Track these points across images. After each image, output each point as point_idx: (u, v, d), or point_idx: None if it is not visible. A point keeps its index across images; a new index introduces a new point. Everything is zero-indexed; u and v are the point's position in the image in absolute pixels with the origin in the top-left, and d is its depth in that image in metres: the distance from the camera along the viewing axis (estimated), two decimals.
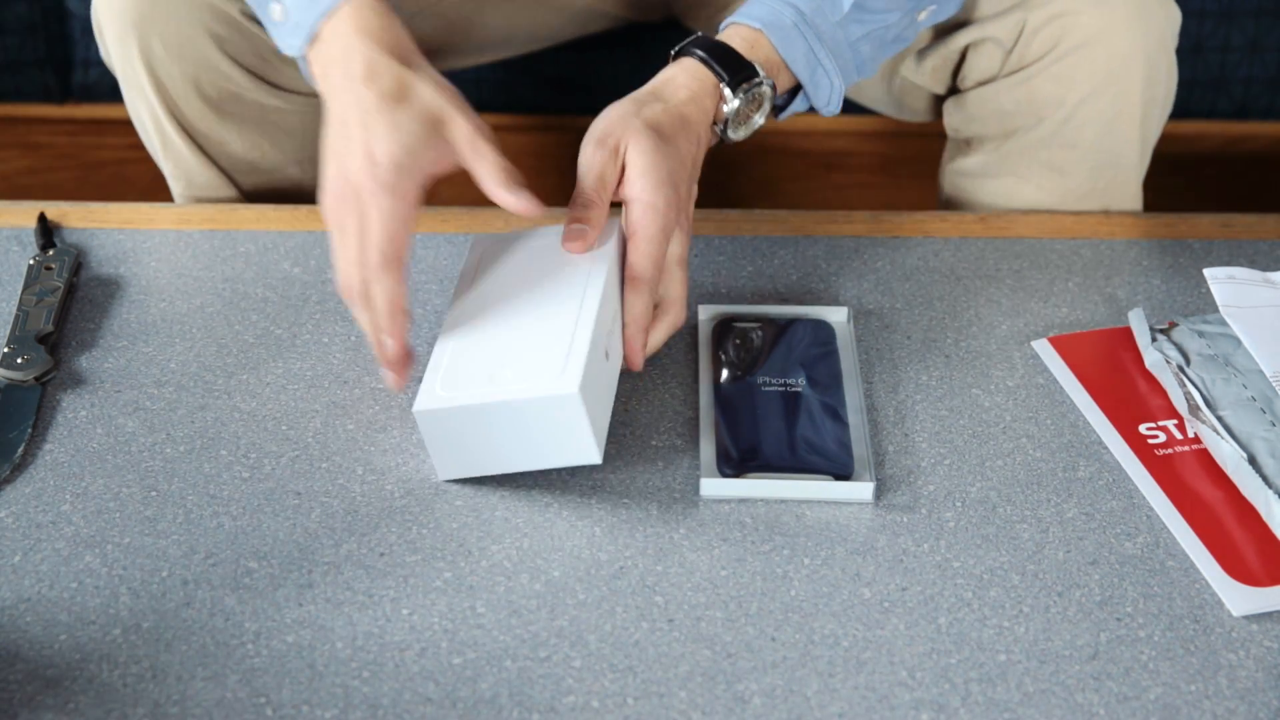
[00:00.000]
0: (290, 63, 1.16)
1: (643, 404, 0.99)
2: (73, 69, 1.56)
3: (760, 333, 1.03)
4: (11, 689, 0.79)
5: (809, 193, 1.66)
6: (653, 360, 1.01)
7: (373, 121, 0.91)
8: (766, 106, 1.02)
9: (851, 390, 0.99)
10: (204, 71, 1.14)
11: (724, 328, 1.04)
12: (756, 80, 1.00)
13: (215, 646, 0.82)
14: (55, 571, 0.86)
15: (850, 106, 1.52)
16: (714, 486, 0.92)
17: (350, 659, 0.81)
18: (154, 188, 1.61)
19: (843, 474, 0.92)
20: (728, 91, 0.99)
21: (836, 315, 1.06)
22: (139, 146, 1.60)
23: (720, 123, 1.00)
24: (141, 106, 1.18)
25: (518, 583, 0.86)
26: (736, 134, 1.02)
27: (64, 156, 1.62)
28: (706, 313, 1.06)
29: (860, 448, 0.95)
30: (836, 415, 0.97)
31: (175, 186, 1.24)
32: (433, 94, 0.92)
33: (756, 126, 1.03)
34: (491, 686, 0.80)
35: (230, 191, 1.22)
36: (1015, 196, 1.21)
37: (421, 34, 1.24)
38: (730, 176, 1.63)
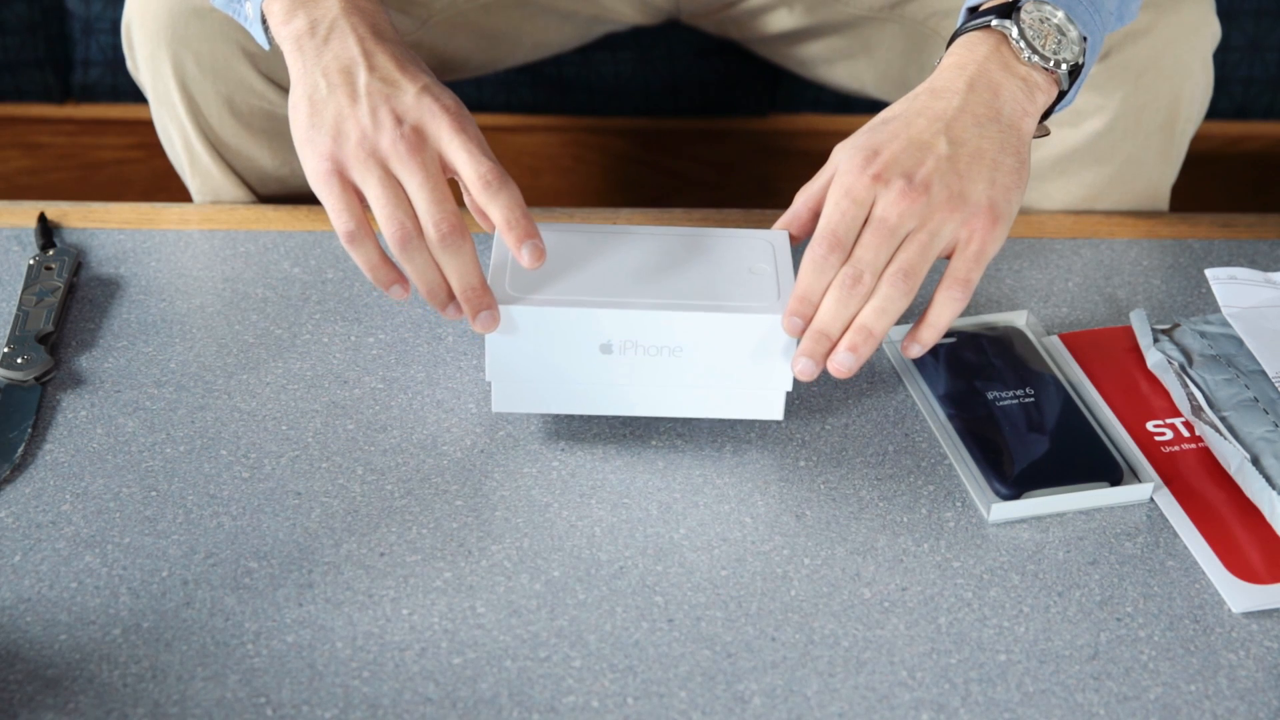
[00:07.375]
0: None
1: None
2: (73, 69, 1.56)
3: (963, 347, 1.00)
4: (11, 689, 0.79)
5: None
6: None
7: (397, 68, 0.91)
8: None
9: (1066, 391, 0.98)
10: (237, 90, 1.14)
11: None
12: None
13: (215, 646, 0.82)
14: (55, 571, 0.86)
15: (851, 105, 1.52)
16: (1003, 510, 0.90)
17: (350, 659, 0.81)
18: (154, 188, 1.61)
19: (1115, 478, 0.92)
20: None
21: (1018, 319, 1.05)
22: (139, 146, 1.60)
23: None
24: (170, 124, 1.17)
25: (518, 583, 0.86)
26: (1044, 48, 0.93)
27: (64, 156, 1.62)
28: (898, 333, 1.04)
29: (1111, 448, 0.94)
30: (1076, 420, 0.96)
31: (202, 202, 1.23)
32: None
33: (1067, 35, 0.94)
34: (491, 686, 0.80)
35: None
36: (1045, 197, 1.20)
37: (454, 48, 1.23)
38: (730, 176, 1.63)
